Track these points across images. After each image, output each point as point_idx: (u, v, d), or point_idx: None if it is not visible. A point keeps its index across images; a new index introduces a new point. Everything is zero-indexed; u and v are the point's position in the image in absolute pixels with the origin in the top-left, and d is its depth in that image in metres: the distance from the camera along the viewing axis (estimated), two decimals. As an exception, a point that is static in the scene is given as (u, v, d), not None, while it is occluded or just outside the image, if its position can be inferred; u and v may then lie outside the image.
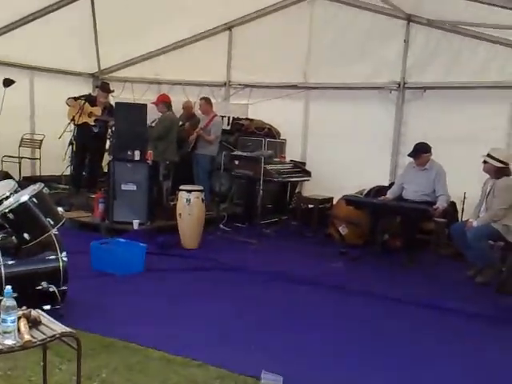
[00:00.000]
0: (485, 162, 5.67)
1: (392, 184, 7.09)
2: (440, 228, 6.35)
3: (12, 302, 2.45)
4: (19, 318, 2.53)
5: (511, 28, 6.63)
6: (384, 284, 5.40)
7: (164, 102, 7.69)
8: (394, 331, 4.20)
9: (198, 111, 8.61)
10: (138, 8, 8.09)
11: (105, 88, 8.17)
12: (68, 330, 2.63)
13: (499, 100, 7.36)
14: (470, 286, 5.58)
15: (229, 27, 9.50)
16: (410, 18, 7.97)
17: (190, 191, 6.32)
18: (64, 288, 3.96)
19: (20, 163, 8.96)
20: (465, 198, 6.83)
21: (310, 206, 7.91)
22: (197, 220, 6.34)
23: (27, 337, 2.47)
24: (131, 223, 6.48)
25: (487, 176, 5.82)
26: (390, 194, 6.56)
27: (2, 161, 8.63)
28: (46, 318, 2.71)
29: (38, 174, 9.33)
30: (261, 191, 7.10)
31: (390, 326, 4.33)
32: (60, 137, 7.22)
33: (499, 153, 5.71)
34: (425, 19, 7.82)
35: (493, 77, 7.43)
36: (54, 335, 2.56)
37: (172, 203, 6.99)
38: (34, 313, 2.67)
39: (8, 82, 8.23)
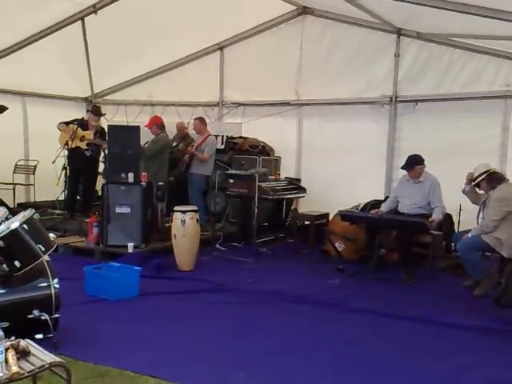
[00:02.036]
0: (477, 185, 5.68)
1: (387, 198, 7.07)
2: (437, 240, 6.31)
3: (-1, 333, 2.40)
4: (7, 349, 2.49)
5: (501, 38, 6.66)
6: (382, 300, 5.32)
7: (156, 124, 7.71)
8: (394, 349, 4.12)
9: (191, 131, 8.62)
10: (129, 31, 8.14)
11: (96, 111, 8.18)
12: (57, 359, 2.58)
13: (492, 110, 7.39)
14: (468, 298, 5.52)
15: (220, 47, 9.56)
16: (400, 32, 8.02)
17: (184, 212, 6.29)
18: (56, 316, 3.90)
19: (14, 189, 8.92)
20: (461, 209, 6.79)
21: (306, 222, 7.88)
22: (192, 241, 6.29)
23: (15, 368, 2.42)
24: (126, 246, 6.43)
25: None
26: (383, 208, 6.54)
27: (-5, 187, 8.59)
28: (35, 348, 2.66)
29: (32, 200, 9.27)
30: (256, 209, 7.06)
31: (388, 343, 4.25)
32: (53, 162, 7.19)
33: (478, 168, 5.74)
34: (415, 32, 7.86)
35: (484, 87, 7.47)
36: (43, 366, 2.52)
37: (167, 224, 6.95)
38: (23, 343, 2.62)
39: (1, 109, 8.22)
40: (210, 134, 8.27)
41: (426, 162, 6.36)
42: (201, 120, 8.31)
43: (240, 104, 9.59)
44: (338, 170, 8.37)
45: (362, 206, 7.32)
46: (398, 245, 6.30)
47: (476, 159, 5.92)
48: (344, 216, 6.58)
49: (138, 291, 5.22)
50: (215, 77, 9.71)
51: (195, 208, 6.54)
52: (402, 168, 6.48)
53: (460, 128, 7.46)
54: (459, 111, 7.58)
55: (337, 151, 8.44)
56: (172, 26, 8.06)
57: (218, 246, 7.40)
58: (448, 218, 6.85)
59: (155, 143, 7.60)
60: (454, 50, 7.69)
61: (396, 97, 8.21)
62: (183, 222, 6.22)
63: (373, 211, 6.51)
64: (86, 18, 8.03)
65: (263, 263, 6.78)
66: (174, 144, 8.49)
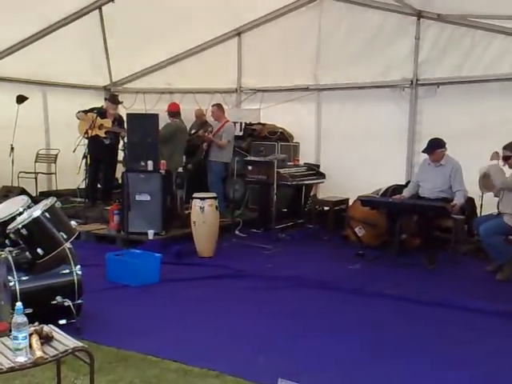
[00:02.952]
0: (505, 159, 5.56)
1: (409, 182, 7.00)
2: (459, 225, 6.23)
3: (23, 319, 2.44)
4: (31, 335, 2.53)
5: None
6: (403, 285, 5.29)
7: (168, 112, 7.77)
8: (415, 334, 4.11)
9: (210, 118, 8.61)
10: (147, 19, 8.15)
11: (113, 100, 8.22)
12: (80, 344, 2.61)
13: (515, 92, 7.23)
14: (490, 283, 5.47)
15: (238, 33, 9.50)
16: (420, 14, 7.87)
17: (203, 199, 6.31)
18: (79, 302, 3.96)
19: (36, 178, 9.03)
20: (483, 193, 6.69)
21: (326, 208, 7.84)
22: (211, 228, 6.31)
23: (39, 353, 2.45)
24: (146, 233, 6.48)
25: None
26: (406, 193, 6.46)
27: (18, 177, 8.69)
28: (58, 334, 2.70)
29: (54, 188, 9.39)
30: (275, 196, 7.05)
31: (410, 328, 4.24)
32: (74, 150, 7.27)
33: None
34: (435, 14, 7.71)
35: (507, 69, 7.30)
36: (67, 350, 2.55)
37: (187, 212, 6.98)
38: (46, 328, 2.66)
39: (21, 99, 8.33)
40: (227, 121, 8.24)
41: (447, 146, 6.26)
42: (218, 106, 8.28)
43: (258, 90, 9.54)
44: (358, 155, 8.29)
45: (382, 191, 7.25)
46: (419, 229, 6.25)
47: (499, 142, 5.79)
48: (364, 201, 6.53)
49: (158, 277, 5.27)
50: (233, 63, 9.65)
51: (214, 195, 6.55)
52: (423, 151, 6.40)
53: (482, 111, 7.33)
54: (482, 94, 7.43)
55: (356, 136, 8.35)
56: (189, 12, 8.03)
57: (237, 232, 7.41)
58: (470, 201, 6.75)
59: (165, 128, 7.52)
60: (475, 31, 7.52)
61: (417, 80, 8.09)
62: (202, 209, 6.24)
63: (395, 197, 6.45)
64: (103, 7, 8.06)
65: (283, 249, 6.77)
66: (193, 131, 8.49)
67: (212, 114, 8.33)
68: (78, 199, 8.34)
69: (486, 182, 5.99)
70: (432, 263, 5.99)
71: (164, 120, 7.63)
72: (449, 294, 4.95)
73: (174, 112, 7.78)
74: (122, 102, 8.49)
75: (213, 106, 8.39)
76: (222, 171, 8.07)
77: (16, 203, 4.26)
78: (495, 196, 5.93)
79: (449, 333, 4.14)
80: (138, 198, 6.60)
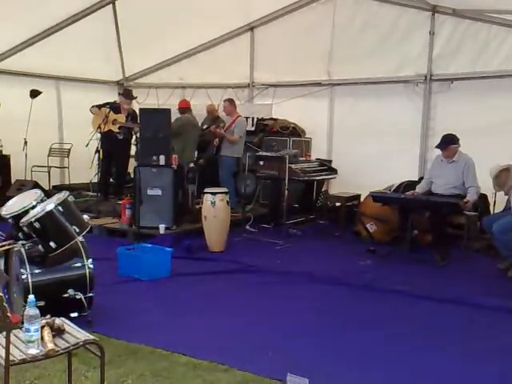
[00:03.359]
0: None
1: (421, 178, 6.95)
2: (471, 221, 6.18)
3: (35, 311, 2.47)
4: (43, 327, 2.56)
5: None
6: (415, 281, 5.25)
7: (179, 109, 7.85)
8: (426, 330, 4.09)
9: (222, 113, 8.61)
10: (160, 13, 8.17)
11: (128, 94, 8.24)
12: (91, 337, 2.64)
13: (530, 88, 7.15)
14: (502, 280, 5.43)
15: (250, 28, 9.47)
16: (434, 9, 7.80)
17: (214, 194, 6.31)
18: (91, 295, 4.00)
19: (49, 172, 9.12)
20: (496, 191, 6.62)
21: (337, 204, 7.82)
22: (222, 222, 6.32)
23: (50, 345, 2.48)
24: (158, 228, 6.51)
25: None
26: (419, 189, 6.42)
27: (31, 171, 8.77)
28: (69, 326, 2.73)
29: (66, 182, 9.48)
30: (286, 191, 7.04)
31: (420, 325, 4.22)
32: (87, 145, 7.31)
33: None
34: (450, 9, 7.64)
35: (523, 64, 7.23)
36: (78, 343, 2.57)
37: (198, 206, 7.00)
38: (58, 321, 2.68)
39: (35, 93, 8.39)
40: (239, 116, 8.24)
41: (461, 142, 6.21)
42: (230, 101, 8.28)
43: (270, 85, 9.52)
44: (371, 151, 8.25)
45: (395, 187, 7.22)
46: (431, 226, 6.20)
47: (513, 139, 5.77)
48: (376, 197, 6.50)
49: (169, 272, 5.29)
50: (245, 58, 9.64)
51: (225, 190, 6.56)
52: (437, 147, 6.35)
53: (497, 107, 7.26)
54: (496, 90, 7.37)
55: (369, 131, 8.31)
56: (202, 7, 8.03)
57: (248, 227, 7.41)
58: (483, 198, 6.70)
59: (174, 122, 7.49)
60: (490, 26, 7.45)
61: (431, 75, 8.03)
62: (213, 203, 6.26)
63: (408, 193, 6.41)
64: (116, 2, 8.09)
65: (293, 245, 6.77)
66: (205, 126, 8.50)
67: (224, 109, 8.34)
68: (91, 193, 8.42)
69: (498, 181, 5.93)
70: (444, 260, 5.95)
71: (176, 115, 7.67)
72: (460, 291, 4.92)
73: (183, 108, 7.86)
74: (136, 98, 8.51)
75: (225, 100, 8.40)
76: (233, 166, 8.08)
77: (29, 197, 4.28)
78: (505, 194, 5.87)
79: (460, 330, 4.12)
80: (149, 192, 6.63)
